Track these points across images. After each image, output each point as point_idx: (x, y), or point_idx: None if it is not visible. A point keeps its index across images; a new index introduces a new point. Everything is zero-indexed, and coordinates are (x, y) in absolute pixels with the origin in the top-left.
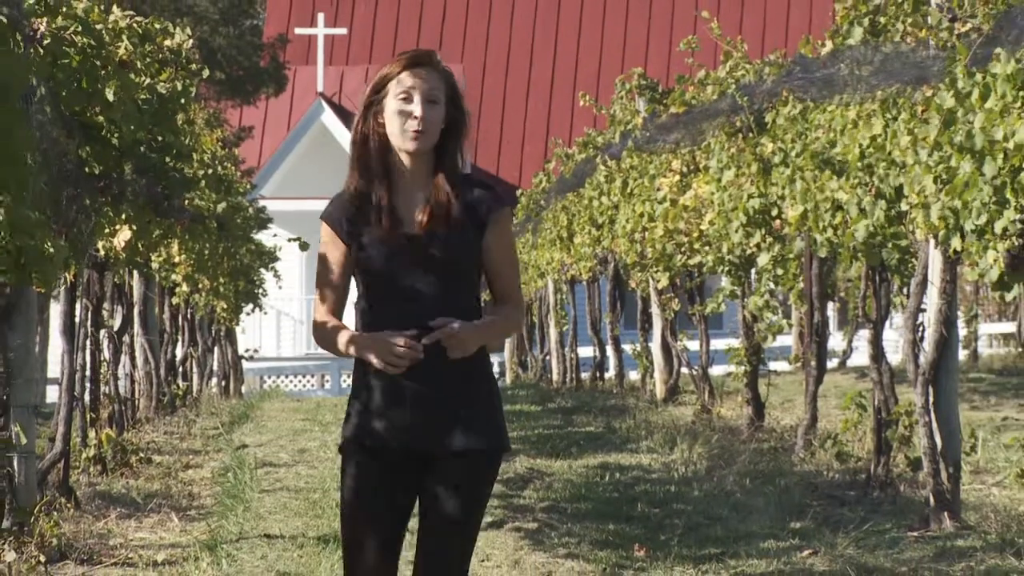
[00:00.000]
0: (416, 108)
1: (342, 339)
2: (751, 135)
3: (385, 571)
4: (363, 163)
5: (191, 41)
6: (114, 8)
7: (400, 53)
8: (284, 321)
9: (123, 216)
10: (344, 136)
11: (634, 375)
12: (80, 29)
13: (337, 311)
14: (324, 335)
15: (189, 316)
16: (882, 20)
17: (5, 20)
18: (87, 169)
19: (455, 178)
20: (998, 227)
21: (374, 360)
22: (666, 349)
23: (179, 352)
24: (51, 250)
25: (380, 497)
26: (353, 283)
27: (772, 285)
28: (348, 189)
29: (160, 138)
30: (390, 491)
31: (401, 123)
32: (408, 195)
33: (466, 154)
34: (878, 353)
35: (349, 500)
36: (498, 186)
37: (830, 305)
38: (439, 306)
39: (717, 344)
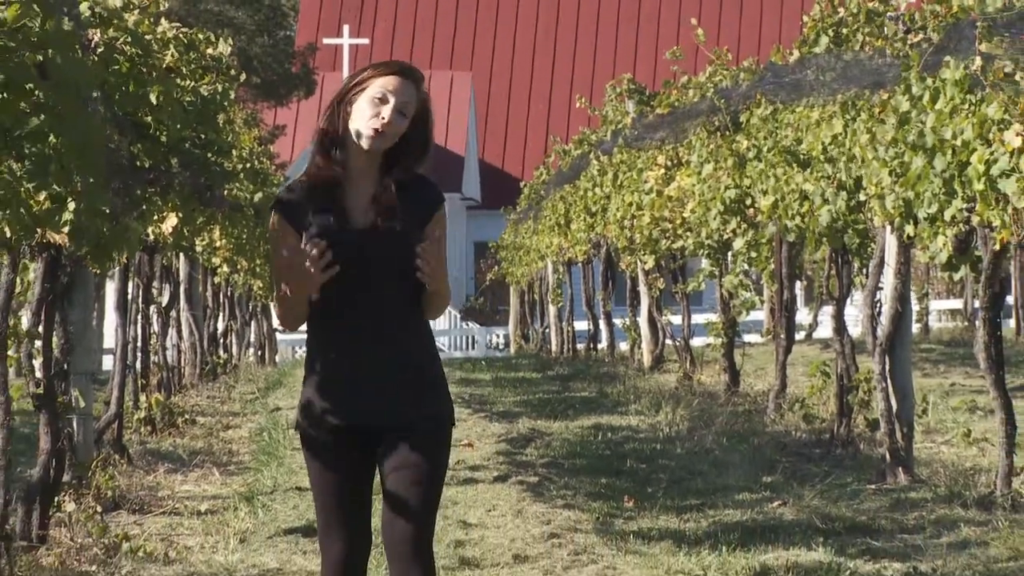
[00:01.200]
0: (386, 111)
1: (284, 296)
2: (728, 133)
3: (358, 546)
4: (322, 149)
5: (231, 50)
6: (162, 20)
7: (391, 60)
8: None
9: (170, 205)
10: None
11: (624, 346)
12: (130, 40)
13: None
14: (280, 304)
15: (229, 293)
16: (844, 31)
17: (73, 29)
18: (138, 163)
19: (404, 181)
20: (947, 215)
21: (305, 275)
22: (652, 323)
23: (220, 325)
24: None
25: (342, 474)
26: None
27: (746, 266)
28: (304, 178)
29: (203, 136)
30: (350, 467)
31: (367, 117)
32: (358, 190)
33: (420, 167)
34: (840, 327)
35: (314, 483)
36: (438, 187)
37: (798, 284)
38: (386, 294)
39: (697, 318)
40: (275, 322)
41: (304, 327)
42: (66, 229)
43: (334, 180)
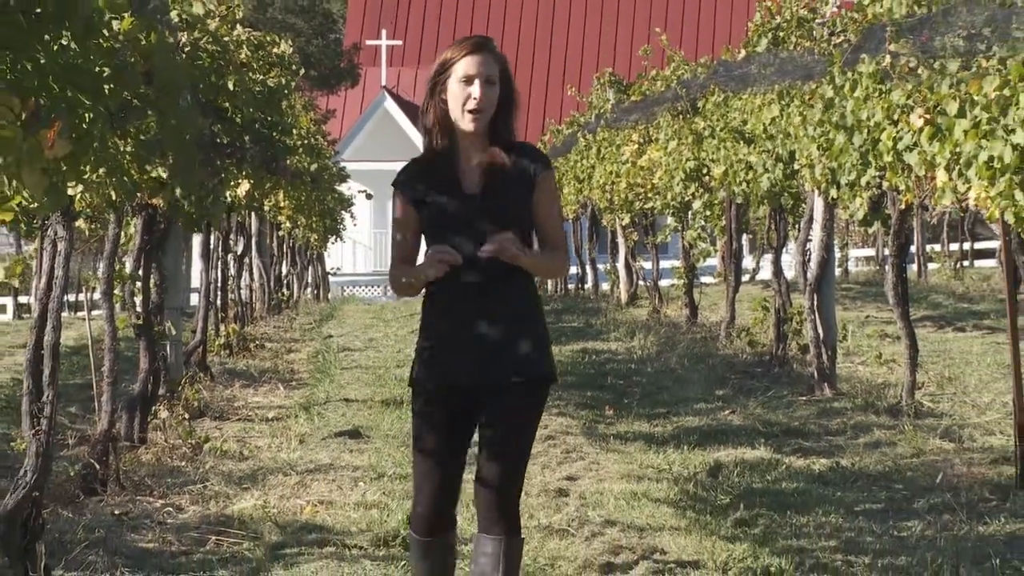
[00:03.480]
0: (476, 90)
1: (406, 275)
2: (688, 116)
3: (448, 494)
4: (430, 135)
5: (291, 49)
6: (237, 26)
7: (460, 39)
8: (357, 247)
9: (244, 173)
10: (400, 116)
11: (605, 286)
12: (211, 41)
13: (409, 263)
14: (396, 280)
15: (291, 244)
16: (781, 34)
17: (168, 37)
18: (218, 140)
19: (508, 145)
20: (863, 181)
21: (429, 272)
22: (628, 268)
23: (283, 269)
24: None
25: (445, 424)
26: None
27: (703, 223)
28: (420, 157)
29: (270, 118)
30: (451, 422)
31: (462, 103)
32: (468, 161)
33: (516, 123)
34: (778, 270)
35: (417, 433)
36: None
37: (744, 236)
38: (493, 258)
39: (664, 264)
40: (328, 265)
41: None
42: (160, 202)
43: (443, 157)
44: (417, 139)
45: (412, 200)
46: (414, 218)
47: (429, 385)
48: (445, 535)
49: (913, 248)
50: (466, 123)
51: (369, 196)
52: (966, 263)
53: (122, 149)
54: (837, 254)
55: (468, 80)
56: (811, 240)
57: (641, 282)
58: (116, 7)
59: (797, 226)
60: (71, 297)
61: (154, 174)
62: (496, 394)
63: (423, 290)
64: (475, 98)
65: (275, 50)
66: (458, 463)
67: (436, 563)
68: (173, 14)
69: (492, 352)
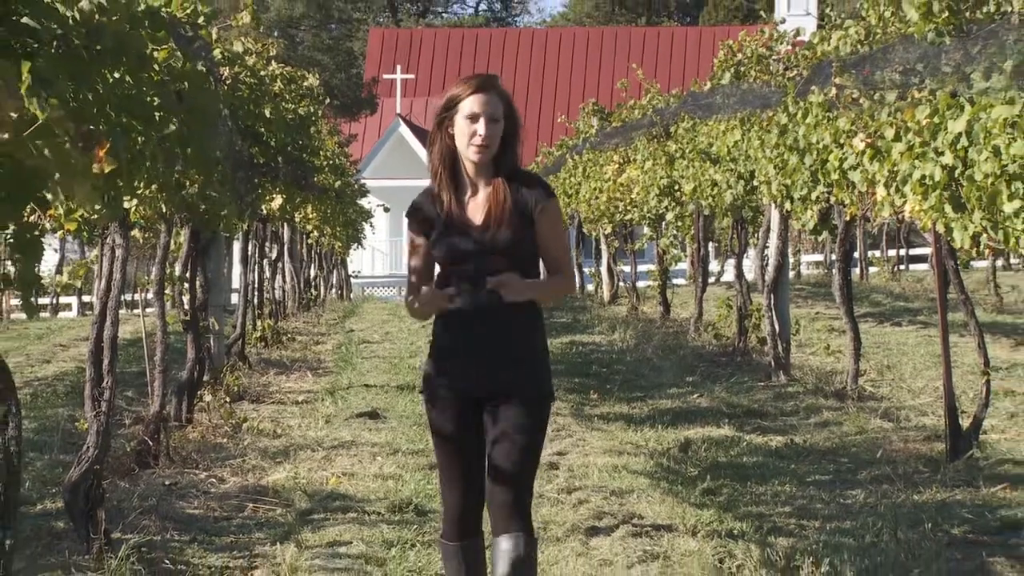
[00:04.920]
0: (481, 127)
1: (414, 303)
2: (662, 139)
3: (472, 501)
4: (434, 165)
5: (318, 82)
6: (272, 62)
7: (466, 77)
8: (376, 253)
9: (277, 189)
10: (412, 140)
11: (590, 287)
12: (249, 75)
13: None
14: (409, 307)
15: (318, 250)
16: (742, 69)
17: (205, 69)
18: (255, 160)
19: (512, 175)
20: (813, 196)
21: (427, 305)
22: (610, 271)
23: (312, 273)
24: (225, 211)
25: (456, 434)
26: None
27: (675, 232)
28: (428, 189)
29: (300, 141)
30: (465, 434)
31: (468, 139)
32: (474, 192)
33: (519, 152)
34: (739, 273)
35: (436, 446)
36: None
37: (710, 244)
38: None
39: (641, 268)
40: (350, 269)
41: None
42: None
43: (448, 189)
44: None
45: (421, 232)
46: (424, 248)
47: (442, 400)
48: (473, 539)
49: (856, 254)
50: (471, 155)
51: (386, 209)
52: (902, 267)
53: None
54: (791, 259)
55: (473, 118)
56: (768, 247)
57: (621, 283)
58: (157, 40)
59: (756, 235)
60: (127, 296)
61: (193, 186)
62: (503, 405)
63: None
64: (480, 135)
65: (304, 83)
66: (478, 471)
67: (467, 566)
68: (216, 52)
69: (497, 369)
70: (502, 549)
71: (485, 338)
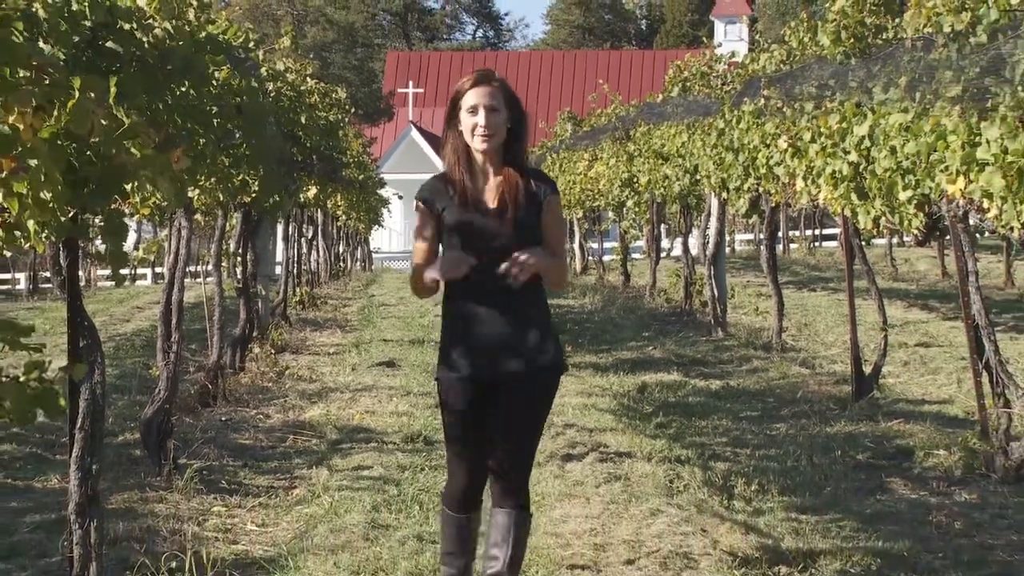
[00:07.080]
0: (481, 118)
1: (423, 276)
2: (623, 141)
3: (476, 476)
4: (449, 159)
5: (346, 95)
6: (307, 78)
7: (471, 74)
8: (392, 233)
9: (312, 181)
10: (422, 142)
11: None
12: (289, 89)
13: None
14: (415, 283)
15: (345, 231)
16: (688, 84)
17: (256, 84)
18: (295, 158)
19: (522, 170)
20: (745, 187)
21: (438, 274)
22: (581, 247)
23: (340, 249)
24: (276, 199)
25: (467, 418)
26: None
27: (634, 216)
28: (441, 175)
29: (331, 143)
30: (473, 411)
31: (471, 130)
32: (484, 181)
33: (527, 150)
34: (685, 249)
35: (445, 423)
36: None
37: (662, 225)
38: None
39: (607, 245)
40: (372, 245)
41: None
42: (247, 199)
43: (462, 176)
44: (435, 158)
45: (432, 212)
46: (433, 228)
47: (452, 380)
48: (473, 512)
49: (780, 233)
50: (477, 144)
51: (400, 197)
52: (817, 244)
53: (226, 164)
54: (727, 238)
55: (473, 110)
56: (709, 228)
57: (590, 258)
58: (216, 62)
59: (699, 218)
60: (191, 268)
61: (241, 177)
62: (510, 383)
63: (440, 292)
64: (481, 125)
65: (334, 96)
66: (483, 448)
67: (463, 534)
68: (263, 70)
69: (506, 347)
70: (498, 522)
71: (497, 317)
